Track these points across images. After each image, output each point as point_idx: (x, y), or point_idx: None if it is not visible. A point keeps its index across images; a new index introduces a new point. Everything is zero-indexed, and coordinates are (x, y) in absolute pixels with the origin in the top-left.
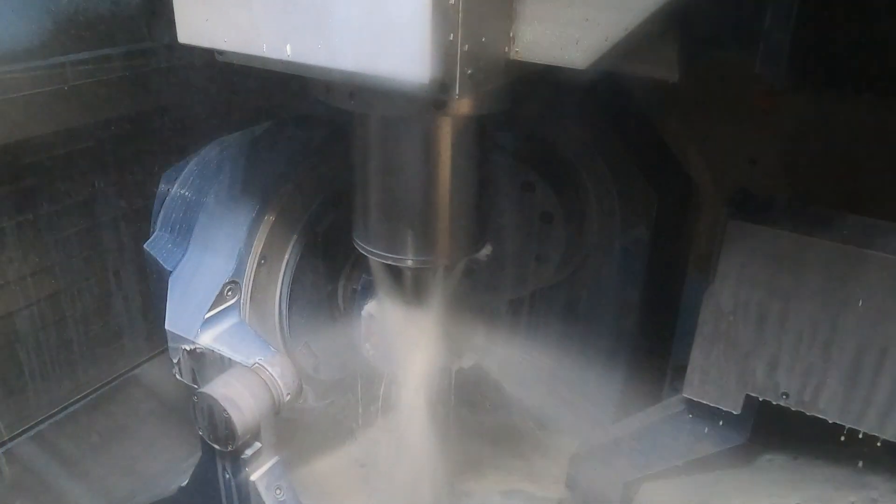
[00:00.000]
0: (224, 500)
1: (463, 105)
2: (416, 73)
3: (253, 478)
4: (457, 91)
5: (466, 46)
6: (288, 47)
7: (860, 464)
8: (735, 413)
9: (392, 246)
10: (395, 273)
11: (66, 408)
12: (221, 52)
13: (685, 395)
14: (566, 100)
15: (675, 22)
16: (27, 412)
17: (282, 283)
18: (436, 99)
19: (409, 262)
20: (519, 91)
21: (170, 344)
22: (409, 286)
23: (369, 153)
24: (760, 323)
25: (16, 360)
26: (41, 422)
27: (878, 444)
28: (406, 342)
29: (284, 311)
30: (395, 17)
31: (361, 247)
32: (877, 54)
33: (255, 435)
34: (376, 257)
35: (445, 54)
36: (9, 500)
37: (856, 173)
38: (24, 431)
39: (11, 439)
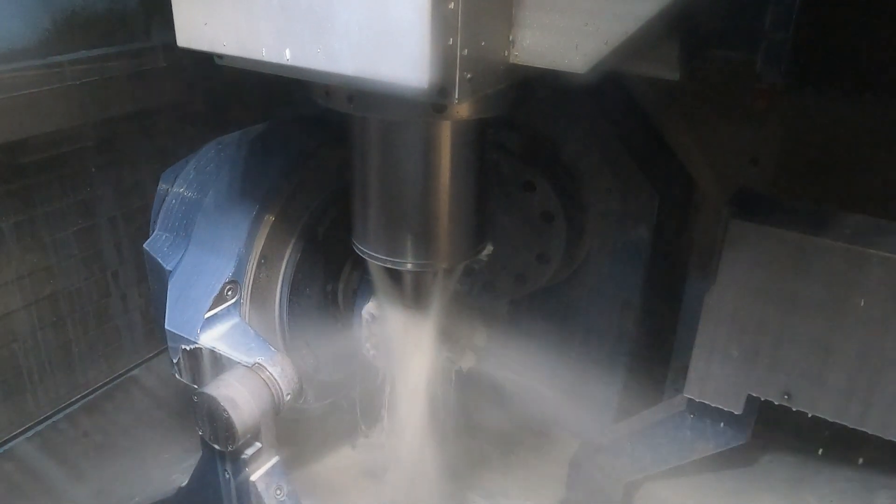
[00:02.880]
0: (224, 500)
1: (462, 109)
2: (416, 77)
3: (253, 478)
4: (456, 95)
5: (466, 51)
6: (287, 52)
7: (862, 465)
8: (736, 413)
9: (391, 249)
10: (395, 276)
11: (64, 408)
12: (220, 56)
13: (686, 395)
14: (567, 100)
15: (676, 23)
16: (26, 413)
17: (282, 283)
18: (435, 103)
19: (409, 266)
20: (519, 94)
21: (169, 344)
22: (409, 289)
23: (368, 157)
24: (762, 323)
25: (14, 360)
26: (40, 422)
27: (881, 445)
28: (406, 346)
29: (284, 311)
30: (394, 21)
31: (360, 250)
32: (878, 54)
33: (256, 435)
34: (376, 261)
35: (445, 59)
36: (7, 501)
37: (857, 173)
38: (22, 432)
39: (10, 440)
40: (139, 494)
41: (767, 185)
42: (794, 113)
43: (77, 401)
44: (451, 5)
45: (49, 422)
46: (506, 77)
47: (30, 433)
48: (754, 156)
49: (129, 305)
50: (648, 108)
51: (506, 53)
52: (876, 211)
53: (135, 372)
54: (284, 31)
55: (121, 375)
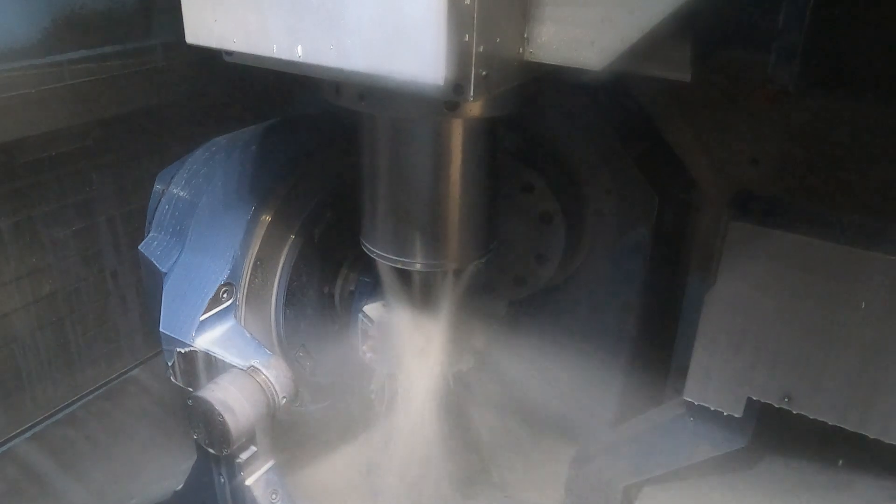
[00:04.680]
0: None
1: (475, 107)
2: (431, 74)
3: (248, 482)
4: (471, 93)
5: (481, 47)
6: (299, 48)
7: (862, 468)
8: (736, 416)
9: (401, 249)
10: (404, 277)
11: (63, 409)
12: (230, 53)
13: (686, 399)
14: (566, 100)
15: (690, 22)
16: (25, 413)
17: (278, 285)
18: (448, 101)
19: (418, 266)
20: (529, 93)
21: (164, 346)
22: (418, 290)
23: (379, 155)
24: (762, 325)
25: (13, 360)
26: (38, 423)
27: (881, 448)
28: (413, 346)
29: (280, 314)
30: (409, 17)
31: (369, 249)
32: (887, 55)
33: (251, 439)
34: (385, 260)
35: (460, 55)
36: (7, 501)
37: (859, 174)
38: (21, 433)
39: (9, 440)
40: (138, 495)
41: (768, 186)
42: (795, 113)
43: (76, 401)
44: (468, 1)
45: (48, 422)
46: (520, 74)
47: (29, 433)
48: (755, 156)
49: (129, 306)
50: (648, 108)
51: (520, 50)
52: (877, 213)
53: (134, 372)
54: (296, 28)
55: (120, 375)
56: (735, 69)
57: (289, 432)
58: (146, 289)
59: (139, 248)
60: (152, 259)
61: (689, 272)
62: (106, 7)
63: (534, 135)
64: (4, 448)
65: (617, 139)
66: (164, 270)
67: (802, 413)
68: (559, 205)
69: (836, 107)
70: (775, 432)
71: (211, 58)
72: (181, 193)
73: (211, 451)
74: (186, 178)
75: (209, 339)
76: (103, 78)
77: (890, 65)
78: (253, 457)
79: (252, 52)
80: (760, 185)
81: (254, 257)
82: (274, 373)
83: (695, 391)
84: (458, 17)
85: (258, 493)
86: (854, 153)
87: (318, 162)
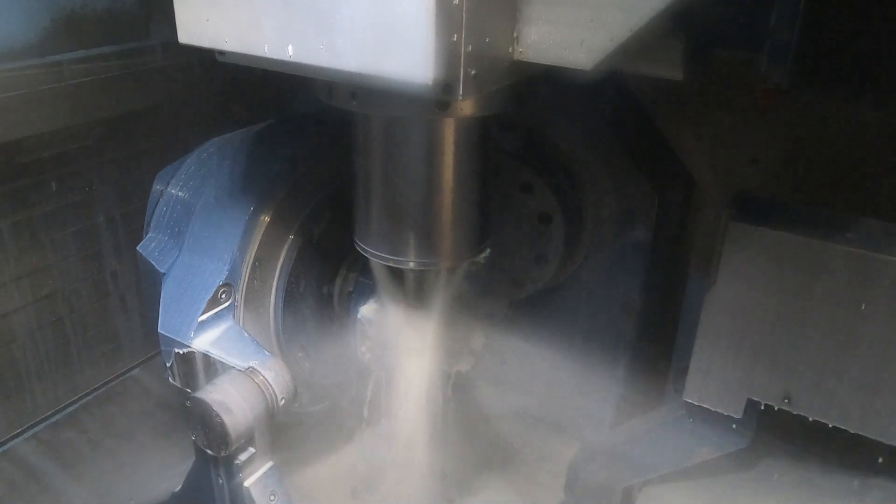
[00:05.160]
0: None
1: (466, 106)
2: (420, 73)
3: (247, 483)
4: (460, 92)
5: (470, 47)
6: (290, 48)
7: (862, 468)
8: (736, 417)
9: (394, 247)
10: (397, 275)
11: (63, 408)
12: (222, 53)
13: (686, 399)
14: (565, 99)
15: (681, 21)
16: (25, 413)
17: (276, 286)
18: (439, 100)
19: (412, 264)
20: (522, 91)
21: (162, 347)
22: (411, 288)
23: (371, 154)
24: (762, 326)
25: (13, 360)
26: (39, 423)
27: (881, 448)
28: (407, 345)
29: (279, 314)
30: (398, 17)
31: (363, 248)
32: (882, 54)
33: (249, 440)
34: (378, 259)
35: (449, 55)
36: (7, 501)
37: (859, 174)
38: (21, 433)
39: (9, 440)
40: (138, 495)
41: (768, 186)
42: (795, 113)
43: (76, 401)
44: (456, 1)
45: (48, 422)
46: (510, 74)
47: (28, 433)
48: (755, 156)
49: (128, 305)
50: (648, 108)
51: (510, 50)
52: (877, 213)
53: (134, 372)
54: (287, 27)
55: (120, 375)
56: (734, 69)
57: (287, 433)
58: (144, 289)
59: (137, 248)
60: (150, 260)
61: (689, 272)
62: (105, 7)
63: (533, 135)
64: (4, 448)
65: (616, 139)
66: (162, 271)
67: (802, 414)
68: (559, 205)
69: (836, 106)
70: (776, 433)
71: (210, 58)
72: (179, 194)
73: (209, 452)
74: (185, 179)
75: (207, 340)
76: (103, 78)
77: (882, 63)
78: (251, 458)
79: (244, 52)
80: (760, 185)
81: (252, 258)
82: (272, 374)
83: (694, 392)
84: (447, 17)
85: (256, 494)
86: (854, 153)
87: (317, 162)
